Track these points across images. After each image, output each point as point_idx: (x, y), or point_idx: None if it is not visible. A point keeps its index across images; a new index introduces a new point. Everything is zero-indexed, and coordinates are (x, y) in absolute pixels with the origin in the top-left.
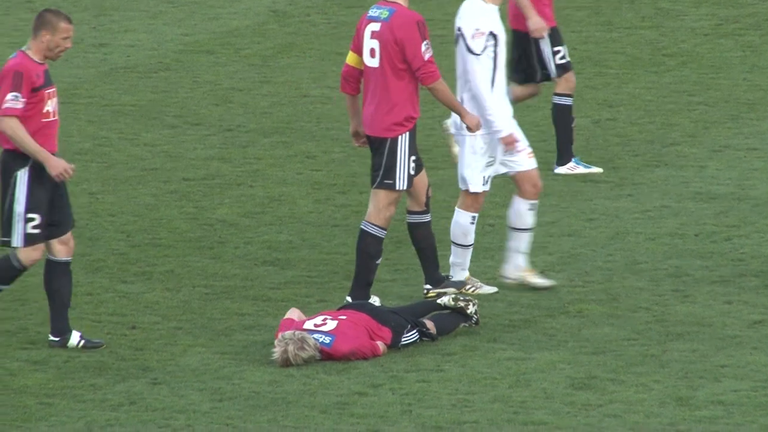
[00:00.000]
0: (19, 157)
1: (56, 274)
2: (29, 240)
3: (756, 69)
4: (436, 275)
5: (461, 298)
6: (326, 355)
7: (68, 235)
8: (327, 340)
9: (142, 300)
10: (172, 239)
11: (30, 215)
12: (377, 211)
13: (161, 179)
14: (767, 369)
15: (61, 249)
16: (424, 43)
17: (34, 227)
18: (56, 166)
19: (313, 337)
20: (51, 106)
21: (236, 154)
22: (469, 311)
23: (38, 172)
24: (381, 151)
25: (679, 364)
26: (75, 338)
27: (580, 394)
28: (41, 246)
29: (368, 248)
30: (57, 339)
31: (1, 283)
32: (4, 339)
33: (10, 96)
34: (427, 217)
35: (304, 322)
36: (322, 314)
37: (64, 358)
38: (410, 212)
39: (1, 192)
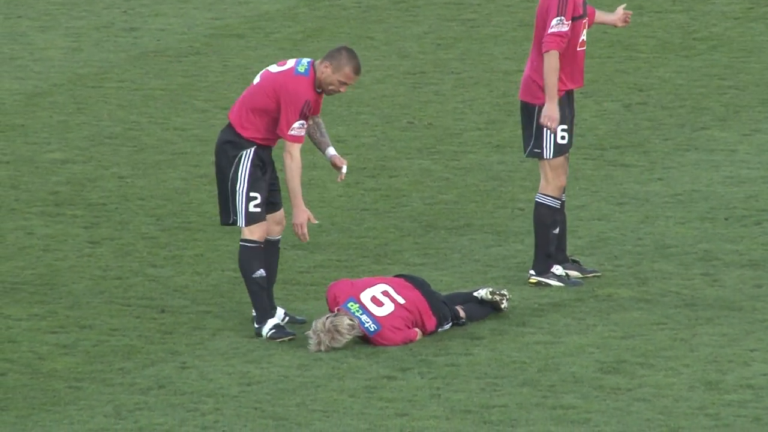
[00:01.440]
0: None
1: (269, 252)
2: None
3: None
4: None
5: (497, 292)
6: (364, 337)
7: (281, 214)
8: (373, 327)
9: (171, 284)
10: (202, 223)
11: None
12: (546, 181)
13: (191, 163)
14: None
15: (276, 228)
16: (558, 18)
17: (256, 206)
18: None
19: (360, 319)
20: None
21: None
22: (503, 306)
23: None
24: (531, 119)
25: (709, 348)
26: (280, 313)
27: (609, 378)
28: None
29: (543, 219)
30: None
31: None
32: (33, 323)
33: (297, 124)
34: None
35: (363, 289)
36: (384, 282)
37: (93, 341)
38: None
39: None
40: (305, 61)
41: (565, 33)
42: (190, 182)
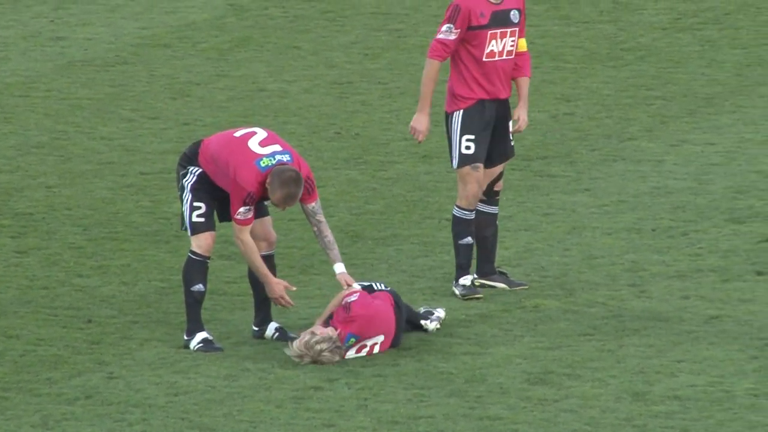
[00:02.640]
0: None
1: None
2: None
3: (714, 63)
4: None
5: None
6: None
7: (268, 227)
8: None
9: (98, 294)
10: (129, 233)
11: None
12: (458, 192)
13: (118, 173)
14: (724, 364)
15: (261, 244)
16: (447, 25)
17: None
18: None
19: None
20: None
21: None
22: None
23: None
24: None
25: (636, 360)
26: (271, 327)
27: (537, 389)
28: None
29: (454, 229)
30: (257, 329)
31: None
32: None
33: (242, 210)
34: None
35: (347, 350)
36: (367, 344)
37: (19, 351)
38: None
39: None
40: (275, 159)
41: (451, 42)
42: (117, 192)
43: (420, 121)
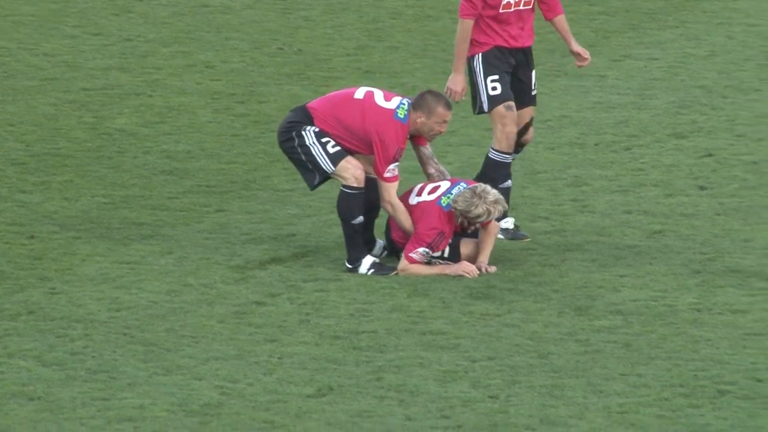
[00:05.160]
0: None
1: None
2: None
3: None
4: None
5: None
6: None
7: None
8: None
9: (40, 209)
10: (71, 149)
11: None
12: (494, 135)
13: (61, 89)
14: (666, 279)
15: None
16: None
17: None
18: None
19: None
20: None
21: (135, 64)
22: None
23: None
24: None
25: (578, 274)
26: (379, 245)
27: (479, 303)
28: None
29: (493, 172)
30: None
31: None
32: None
33: (391, 167)
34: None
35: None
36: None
37: None
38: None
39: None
40: (406, 104)
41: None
42: (59, 108)
43: (456, 82)
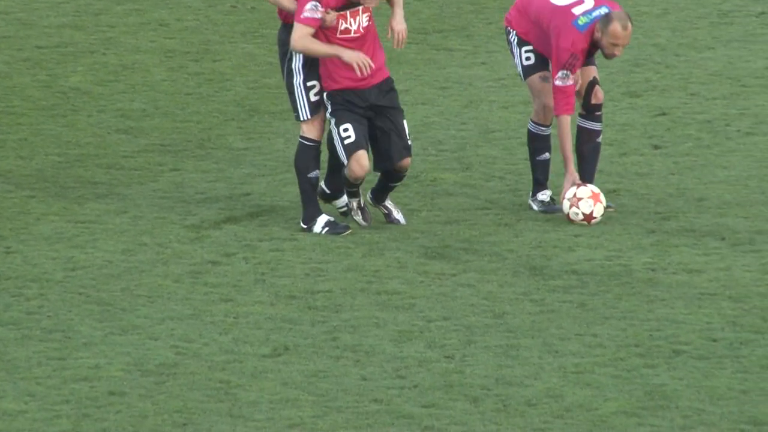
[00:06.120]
0: None
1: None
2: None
3: None
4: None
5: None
6: None
7: None
8: None
9: None
10: (25, 107)
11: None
12: (533, 104)
13: (14, 47)
14: (621, 238)
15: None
16: (562, 72)
17: (315, 94)
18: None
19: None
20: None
21: (89, 22)
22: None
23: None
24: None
25: (533, 234)
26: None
27: (434, 263)
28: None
29: (530, 144)
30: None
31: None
32: None
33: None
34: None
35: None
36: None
37: None
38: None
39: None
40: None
41: (572, 89)
42: (12, 66)
43: (567, 181)
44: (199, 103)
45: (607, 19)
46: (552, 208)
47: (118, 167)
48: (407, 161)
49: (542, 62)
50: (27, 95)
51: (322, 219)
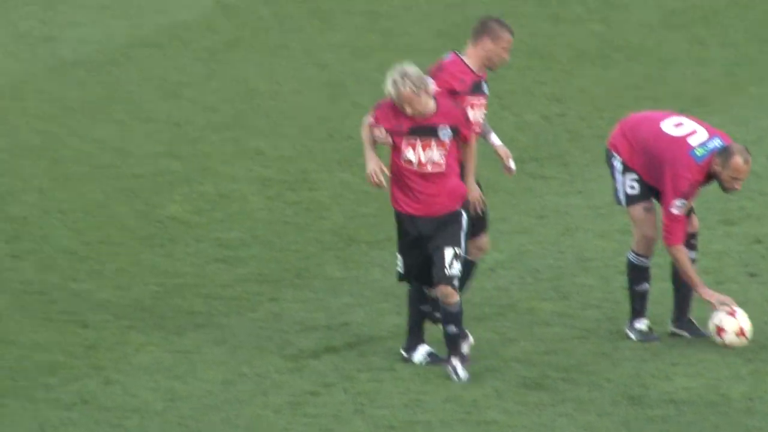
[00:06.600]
0: None
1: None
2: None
3: (703, 63)
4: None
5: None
6: None
7: (484, 239)
8: None
9: (93, 298)
10: (123, 236)
11: None
12: (633, 234)
13: (111, 176)
14: (719, 367)
15: (477, 253)
16: (680, 200)
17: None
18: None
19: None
20: (473, 115)
21: (186, 151)
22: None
23: None
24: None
25: (631, 363)
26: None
27: (532, 393)
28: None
29: (630, 273)
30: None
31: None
32: None
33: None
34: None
35: None
36: None
37: (15, 357)
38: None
39: None
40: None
41: (682, 223)
42: (110, 195)
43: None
44: (297, 233)
45: (726, 152)
46: (650, 336)
47: (216, 297)
48: (442, 288)
49: (646, 192)
50: (124, 225)
51: (423, 349)
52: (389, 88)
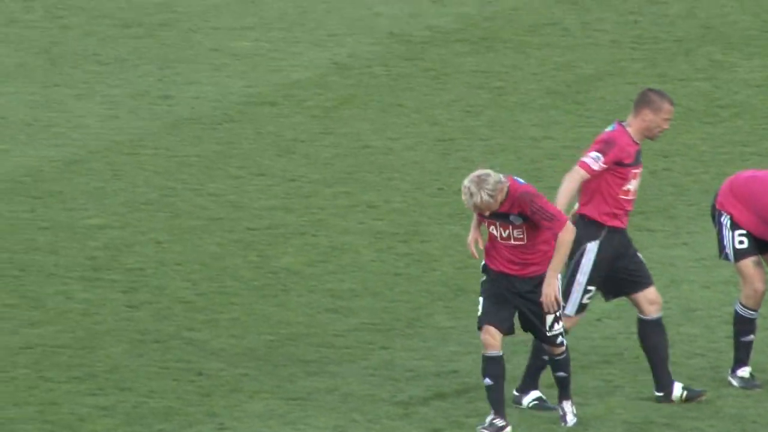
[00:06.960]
0: (592, 226)
1: (650, 331)
2: (580, 309)
3: None
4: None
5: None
6: None
7: (654, 294)
8: None
9: (208, 347)
10: (237, 287)
11: (589, 287)
12: (742, 287)
13: (226, 228)
14: None
15: (650, 308)
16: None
17: (589, 298)
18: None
19: None
20: (633, 185)
21: (299, 204)
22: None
23: (607, 244)
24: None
25: (733, 410)
26: (677, 390)
27: None
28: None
29: (736, 325)
30: (661, 394)
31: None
32: (73, 386)
33: (593, 154)
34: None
35: None
36: None
37: (132, 403)
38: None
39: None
40: None
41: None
42: (225, 247)
43: None
44: (408, 283)
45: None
46: (751, 383)
47: (328, 345)
48: (551, 350)
49: (755, 247)
50: (239, 276)
51: (534, 394)
52: (465, 198)
